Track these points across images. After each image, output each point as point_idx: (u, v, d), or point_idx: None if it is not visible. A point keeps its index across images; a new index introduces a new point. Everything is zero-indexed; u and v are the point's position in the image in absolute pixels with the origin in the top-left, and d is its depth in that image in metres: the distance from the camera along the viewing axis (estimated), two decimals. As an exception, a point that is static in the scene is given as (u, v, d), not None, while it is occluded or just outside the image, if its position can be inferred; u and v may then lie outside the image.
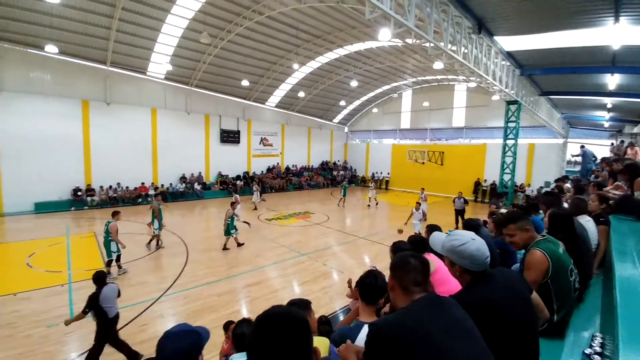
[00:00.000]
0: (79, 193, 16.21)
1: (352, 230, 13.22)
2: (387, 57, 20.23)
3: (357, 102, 28.87)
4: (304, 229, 13.34)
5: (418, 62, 20.43)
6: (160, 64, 17.48)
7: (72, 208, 15.70)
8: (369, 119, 31.11)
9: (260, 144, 24.77)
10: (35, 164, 14.97)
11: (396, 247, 2.89)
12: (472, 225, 3.94)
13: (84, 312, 4.61)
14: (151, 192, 18.23)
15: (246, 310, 6.58)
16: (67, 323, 4.69)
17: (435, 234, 2.01)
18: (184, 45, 16.44)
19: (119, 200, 17.02)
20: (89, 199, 16.30)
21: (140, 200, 17.77)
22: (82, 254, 9.76)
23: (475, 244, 1.64)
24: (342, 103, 27.27)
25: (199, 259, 9.38)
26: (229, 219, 10.00)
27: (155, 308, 6.53)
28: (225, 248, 10.05)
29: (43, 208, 14.98)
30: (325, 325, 3.25)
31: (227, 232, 10.06)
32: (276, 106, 25.34)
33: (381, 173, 28.49)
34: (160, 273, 8.27)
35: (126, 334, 5.57)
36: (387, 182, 27.91)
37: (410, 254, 1.53)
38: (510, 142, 15.63)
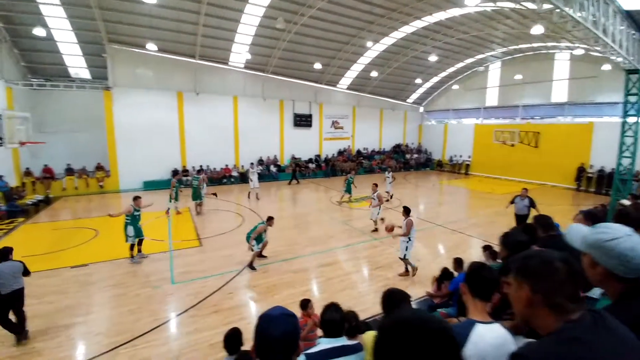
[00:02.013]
0: (177, 174, 18.51)
1: (428, 216, 12.50)
2: (472, 25, 18.07)
3: (434, 79, 26.72)
4: (376, 213, 13.06)
5: (510, 28, 17.80)
6: (239, 53, 18.57)
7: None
8: (447, 97, 28.64)
9: (331, 127, 24.85)
10: (142, 148, 17.50)
11: (511, 239, 2.39)
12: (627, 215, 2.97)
13: None
14: (234, 173, 19.89)
15: (321, 290, 6.75)
16: None
17: (577, 225, 1.62)
18: (260, 34, 17.08)
19: (208, 180, 18.93)
20: (184, 178, 18.47)
21: (224, 180, 19.54)
22: (179, 226, 11.18)
23: (631, 240, 1.25)
24: (418, 81, 25.51)
25: (276, 236, 9.88)
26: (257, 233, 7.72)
27: (239, 279, 7.12)
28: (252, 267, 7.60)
29: (150, 186, 17.55)
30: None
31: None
32: (347, 88, 24.96)
33: (460, 156, 26.19)
34: (245, 246, 8.88)
35: (216, 300, 6.22)
36: (467, 166, 25.60)
37: (553, 254, 1.14)
38: (631, 119, 12.75)
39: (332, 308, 2.22)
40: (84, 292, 6.55)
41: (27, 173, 15.55)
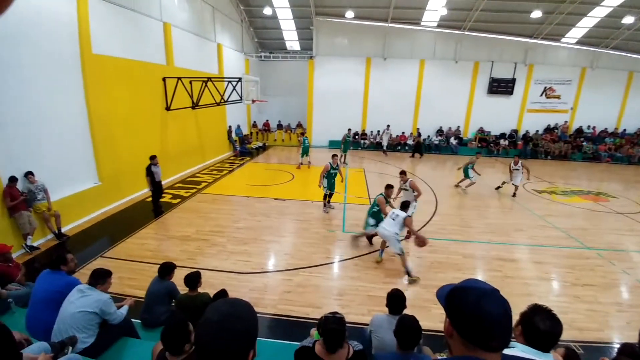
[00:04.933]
0: (357, 136, 19.88)
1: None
2: None
3: None
4: (594, 214, 9.71)
5: None
6: (434, 10, 16.97)
7: (351, 148, 19.54)
8: None
9: (542, 95, 19.64)
10: (332, 111, 19.59)
11: None
12: None
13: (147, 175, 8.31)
14: (410, 141, 19.42)
15: (495, 286, 5.73)
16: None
17: None
18: (464, -17, 14.89)
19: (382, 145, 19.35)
20: (362, 141, 19.68)
21: (399, 147, 19.44)
22: (354, 183, 12.07)
23: None
24: None
25: (449, 212, 9.15)
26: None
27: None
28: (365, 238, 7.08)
29: (333, 145, 19.67)
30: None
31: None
32: (577, 43, 18.74)
33: None
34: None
35: (375, 256, 6.40)
36: None
37: None
38: None
39: (546, 314, 1.55)
40: (280, 220, 8.25)
41: (254, 125, 20.63)
